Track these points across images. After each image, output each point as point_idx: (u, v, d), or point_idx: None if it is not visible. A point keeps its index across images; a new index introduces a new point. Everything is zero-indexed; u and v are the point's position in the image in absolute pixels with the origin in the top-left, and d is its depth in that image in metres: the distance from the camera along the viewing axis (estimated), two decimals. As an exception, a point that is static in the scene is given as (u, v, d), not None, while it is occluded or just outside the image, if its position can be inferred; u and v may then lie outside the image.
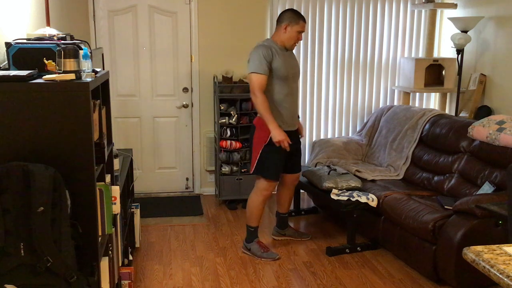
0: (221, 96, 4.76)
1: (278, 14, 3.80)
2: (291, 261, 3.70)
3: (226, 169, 4.83)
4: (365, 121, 5.25)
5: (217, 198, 5.06)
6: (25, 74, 1.94)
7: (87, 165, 2.02)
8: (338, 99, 5.30)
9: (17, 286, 1.78)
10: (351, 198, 3.75)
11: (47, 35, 2.43)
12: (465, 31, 4.62)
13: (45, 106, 1.94)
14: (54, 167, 1.88)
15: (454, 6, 4.99)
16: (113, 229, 2.50)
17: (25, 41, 2.20)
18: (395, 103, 5.37)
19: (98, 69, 2.43)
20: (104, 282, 2.24)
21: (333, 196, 3.83)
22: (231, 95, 4.77)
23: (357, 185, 3.97)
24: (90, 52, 2.14)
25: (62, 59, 2.00)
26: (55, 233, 1.83)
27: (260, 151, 3.61)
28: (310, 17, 5.09)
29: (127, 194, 3.68)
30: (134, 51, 4.94)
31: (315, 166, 4.59)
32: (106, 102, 2.60)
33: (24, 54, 2.12)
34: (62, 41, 2.24)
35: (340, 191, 3.88)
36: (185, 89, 5.08)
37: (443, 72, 5.03)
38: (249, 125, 4.58)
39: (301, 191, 4.74)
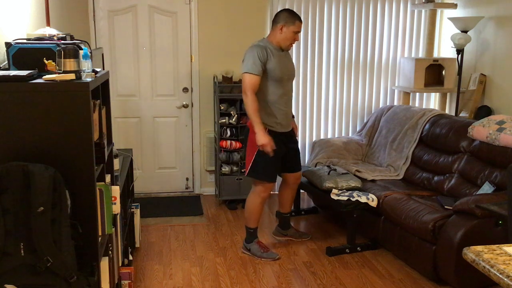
0: (221, 96, 4.76)
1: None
2: (291, 261, 3.70)
3: (226, 169, 4.83)
4: (365, 121, 5.25)
5: (217, 198, 5.06)
6: (25, 74, 1.94)
7: (87, 165, 2.02)
8: (338, 99, 5.30)
9: (17, 286, 1.78)
10: (351, 198, 3.75)
11: (47, 35, 2.43)
12: (465, 31, 4.62)
13: (45, 106, 1.94)
14: (54, 167, 1.88)
15: (454, 6, 4.99)
16: (113, 229, 2.50)
17: (25, 41, 2.20)
18: (395, 103, 5.36)
19: (98, 69, 2.43)
20: (104, 282, 2.24)
21: (333, 196, 3.83)
22: (231, 95, 4.77)
23: (357, 185, 3.97)
24: (90, 52, 2.14)
25: (62, 59, 2.00)
26: (55, 233, 1.83)
27: (255, 154, 3.59)
28: (310, 17, 5.09)
29: (127, 194, 3.68)
30: (134, 51, 4.94)
31: (315, 166, 4.59)
32: (106, 102, 2.60)
33: (24, 54, 2.12)
34: (62, 41, 2.24)
35: (340, 191, 3.88)
36: (185, 89, 5.08)
37: (443, 72, 5.03)
38: (249, 125, 4.58)
39: (301, 191, 4.74)
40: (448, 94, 5.21)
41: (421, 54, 5.34)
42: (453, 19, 4.69)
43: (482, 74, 4.67)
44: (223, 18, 4.96)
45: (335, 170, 4.13)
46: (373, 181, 4.20)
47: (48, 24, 3.05)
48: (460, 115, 4.81)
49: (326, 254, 3.80)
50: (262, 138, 3.46)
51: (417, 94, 5.33)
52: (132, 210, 3.72)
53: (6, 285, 1.77)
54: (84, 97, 1.96)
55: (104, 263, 2.23)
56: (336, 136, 5.34)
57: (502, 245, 1.56)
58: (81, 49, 2.11)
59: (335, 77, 5.26)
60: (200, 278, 3.44)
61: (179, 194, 5.25)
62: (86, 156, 2.01)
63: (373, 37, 5.24)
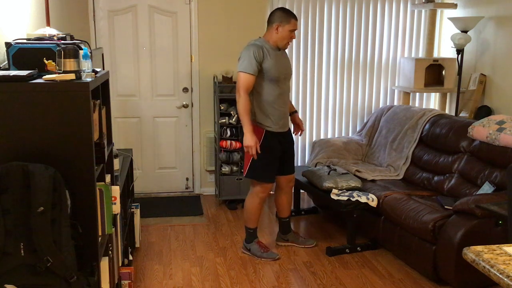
0: (221, 96, 4.76)
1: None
2: (291, 261, 3.70)
3: (226, 169, 4.83)
4: (365, 121, 5.25)
5: (217, 198, 5.06)
6: (25, 74, 1.94)
7: (87, 165, 2.02)
8: (338, 99, 5.30)
9: (17, 286, 1.78)
10: (351, 198, 3.75)
11: (47, 35, 2.43)
12: (465, 31, 4.62)
13: (45, 106, 1.94)
14: (54, 167, 1.88)
15: (454, 6, 4.99)
16: (113, 229, 2.50)
17: (25, 41, 2.20)
18: (395, 103, 5.37)
19: (98, 69, 2.43)
20: (104, 282, 2.24)
21: (333, 196, 3.83)
22: (231, 95, 4.77)
23: (357, 185, 3.96)
24: (90, 52, 2.14)
25: (62, 59, 2.00)
26: (55, 233, 1.83)
27: None
28: (310, 17, 5.09)
29: (127, 194, 3.68)
30: (134, 51, 4.94)
31: (315, 166, 4.59)
32: (106, 102, 2.60)
33: (24, 54, 2.12)
34: (62, 41, 2.24)
35: (340, 191, 3.88)
36: (185, 89, 5.08)
37: (443, 72, 5.03)
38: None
39: (301, 191, 4.74)
40: (448, 94, 5.21)
41: (421, 54, 5.34)
42: (453, 19, 4.69)
43: (482, 74, 4.68)
44: (223, 18, 4.96)
45: (335, 170, 4.13)
46: (373, 181, 4.20)
47: (48, 24, 3.05)
48: (460, 115, 4.81)
49: (326, 254, 3.80)
50: (248, 139, 3.44)
51: (417, 94, 5.33)
52: (132, 210, 3.72)
53: (6, 285, 1.77)
54: (84, 97, 1.97)
55: (104, 263, 2.23)
56: (336, 136, 5.34)
57: (502, 245, 1.56)
58: (81, 49, 2.11)
59: (335, 77, 5.26)
60: (200, 278, 3.44)
61: (179, 194, 5.25)
62: (86, 156, 2.01)
63: (373, 37, 5.24)
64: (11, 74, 1.93)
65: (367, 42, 5.23)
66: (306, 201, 5.04)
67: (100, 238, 2.17)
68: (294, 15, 3.53)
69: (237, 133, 4.77)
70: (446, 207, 3.44)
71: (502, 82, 4.48)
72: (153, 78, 5.03)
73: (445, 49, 5.24)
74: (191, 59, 5.02)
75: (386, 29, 5.25)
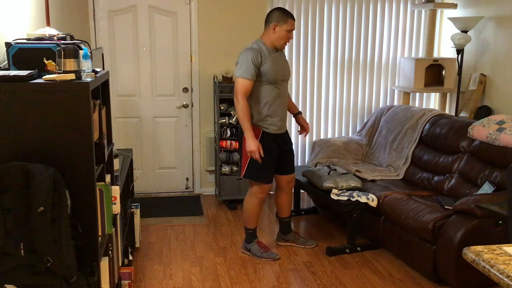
0: (221, 96, 4.76)
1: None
2: (291, 261, 3.70)
3: (226, 169, 4.83)
4: (365, 121, 5.25)
5: (217, 198, 5.06)
6: (25, 74, 1.94)
7: (87, 165, 2.02)
8: (338, 99, 5.30)
9: (17, 286, 1.78)
10: (351, 198, 3.75)
11: (47, 35, 2.43)
12: (465, 31, 4.62)
13: (45, 106, 1.94)
14: (54, 167, 1.88)
15: (454, 6, 4.99)
16: (113, 229, 2.50)
17: (25, 41, 2.20)
18: (395, 103, 5.37)
19: (98, 69, 2.43)
20: (104, 282, 2.24)
21: (333, 196, 3.83)
22: (231, 95, 4.75)
23: (357, 185, 3.96)
24: (90, 52, 2.14)
25: (62, 59, 2.00)
26: (55, 233, 1.83)
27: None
28: (310, 17, 5.09)
29: (127, 194, 3.68)
30: (134, 51, 4.94)
31: (315, 166, 4.59)
32: (106, 102, 2.60)
33: (24, 54, 2.12)
34: (62, 41, 2.24)
35: (340, 191, 3.88)
36: (185, 89, 5.08)
37: (443, 72, 5.03)
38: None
39: (301, 191, 4.74)
40: (448, 94, 5.21)
41: (421, 54, 5.34)
42: (453, 19, 4.69)
43: (482, 74, 4.68)
44: (223, 18, 4.96)
45: (335, 170, 4.13)
46: (373, 181, 4.20)
47: (48, 24, 3.05)
48: (460, 115, 4.81)
49: (326, 254, 3.80)
50: (251, 144, 3.44)
51: (417, 94, 5.33)
52: (132, 210, 3.72)
53: (6, 285, 1.77)
54: (84, 97, 1.96)
55: (104, 263, 2.23)
56: (336, 136, 5.34)
57: (502, 245, 1.56)
58: (81, 49, 2.11)
59: (335, 77, 5.26)
60: (200, 278, 3.44)
61: (179, 194, 5.25)
62: (86, 156, 2.01)
63: (373, 37, 5.24)
64: (11, 74, 1.93)
65: (367, 42, 5.23)
66: (306, 201, 5.04)
67: (100, 238, 2.17)
68: (292, 15, 3.52)
69: (237, 133, 4.77)
70: (446, 207, 3.44)
71: (502, 82, 4.48)
72: (153, 78, 5.03)
73: (445, 49, 5.24)
74: (191, 59, 5.02)
75: (386, 29, 5.25)
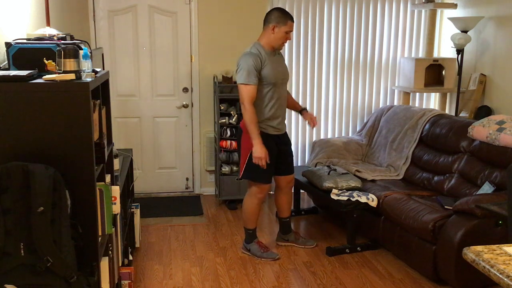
0: (221, 96, 4.76)
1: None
2: (291, 261, 3.70)
3: (226, 169, 4.83)
4: (365, 121, 5.25)
5: (217, 198, 5.06)
6: (25, 74, 1.94)
7: (87, 165, 2.02)
8: (338, 99, 5.30)
9: (17, 286, 1.78)
10: (351, 198, 3.75)
11: (47, 35, 2.43)
12: (465, 31, 4.62)
13: (45, 106, 1.94)
14: (54, 167, 1.88)
15: (454, 6, 4.99)
16: (113, 229, 2.50)
17: (25, 41, 2.20)
18: (395, 103, 5.37)
19: (98, 69, 2.43)
20: (104, 282, 2.24)
21: (333, 196, 3.83)
22: (231, 95, 4.77)
23: (357, 185, 3.96)
24: (90, 52, 2.14)
25: (62, 59, 2.00)
26: (55, 233, 1.83)
27: (248, 156, 3.57)
28: (310, 17, 5.09)
29: (127, 194, 3.68)
30: (134, 51, 4.94)
31: (315, 166, 4.59)
32: (106, 102, 2.60)
33: (24, 54, 2.12)
34: (62, 41, 2.24)
35: (340, 191, 3.88)
36: (185, 89, 5.08)
37: (443, 72, 5.03)
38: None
39: (301, 191, 4.74)
40: (448, 94, 5.21)
41: (421, 54, 5.34)
42: (453, 19, 4.69)
43: (482, 74, 4.68)
44: (223, 18, 4.96)
45: (335, 170, 4.13)
46: (373, 181, 4.20)
47: (48, 24, 3.05)
48: (460, 115, 4.81)
49: (326, 254, 3.80)
50: (259, 152, 3.44)
51: (417, 94, 5.33)
52: (132, 210, 3.72)
53: (6, 285, 1.77)
54: (84, 97, 1.96)
55: (104, 263, 2.23)
56: (336, 136, 5.34)
57: (502, 245, 1.56)
58: (81, 49, 2.11)
59: (335, 77, 5.26)
60: (200, 278, 3.44)
61: (179, 194, 5.25)
62: (86, 156, 2.01)
63: (373, 37, 5.24)
64: (11, 74, 1.93)
65: (367, 42, 5.23)
66: (306, 201, 5.04)
67: (100, 238, 2.17)
68: (291, 16, 3.52)
69: (237, 133, 4.76)
70: (446, 207, 3.44)
71: (502, 82, 4.48)
72: (153, 78, 5.03)
73: (445, 49, 5.24)
74: (191, 59, 5.02)
75: (386, 29, 5.25)
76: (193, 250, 3.91)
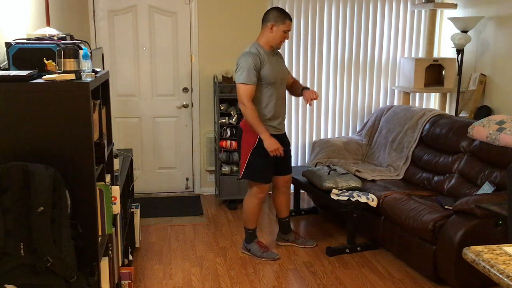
0: (221, 96, 4.76)
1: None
2: (291, 261, 3.70)
3: (226, 169, 4.83)
4: (365, 121, 5.25)
5: (217, 198, 5.06)
6: (25, 74, 1.94)
7: (87, 165, 2.02)
8: (338, 99, 5.30)
9: (17, 286, 1.78)
10: (351, 198, 3.75)
11: (47, 35, 2.43)
12: (465, 31, 4.62)
13: (45, 106, 1.94)
14: (54, 167, 1.88)
15: (454, 6, 4.99)
16: (113, 229, 2.50)
17: (25, 41, 2.20)
18: (395, 103, 5.37)
19: (98, 69, 2.43)
20: (104, 282, 2.24)
21: (333, 196, 3.83)
22: (231, 95, 4.77)
23: (357, 185, 3.96)
24: (90, 52, 2.14)
25: (62, 59, 2.00)
26: (55, 233, 1.83)
27: (248, 156, 3.58)
28: (310, 17, 5.09)
29: (127, 194, 3.68)
30: (134, 51, 4.94)
31: (315, 166, 4.59)
32: (106, 102, 2.60)
33: (24, 54, 2.12)
34: (62, 41, 2.24)
35: (340, 191, 3.88)
36: (185, 89, 5.08)
37: (443, 72, 5.03)
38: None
39: (301, 191, 4.74)
40: (448, 94, 5.21)
41: (421, 54, 5.34)
42: (453, 19, 4.69)
43: (482, 74, 4.67)
44: (223, 18, 4.96)
45: (335, 170, 4.13)
46: (373, 181, 4.20)
47: (48, 24, 3.05)
48: (460, 115, 4.81)
49: (326, 254, 3.80)
50: (272, 144, 3.46)
51: (417, 94, 5.33)
52: (132, 210, 3.72)
53: (6, 285, 1.77)
54: (84, 97, 1.96)
55: (104, 263, 2.23)
56: (336, 136, 5.34)
57: (502, 245, 1.56)
58: (81, 49, 2.11)
59: (335, 77, 5.26)
60: (200, 278, 3.44)
61: (179, 194, 5.25)
62: (86, 156, 2.01)
63: (373, 37, 5.24)
64: (11, 74, 1.93)
65: (367, 42, 5.23)
66: (306, 201, 5.04)
67: (100, 238, 2.17)
68: (289, 15, 3.52)
69: (237, 133, 4.76)
70: (446, 207, 3.44)
71: (502, 82, 4.48)
72: (153, 78, 5.03)
73: (445, 49, 5.24)
74: (191, 59, 5.02)
75: (386, 29, 5.25)
76: (193, 250, 3.91)
